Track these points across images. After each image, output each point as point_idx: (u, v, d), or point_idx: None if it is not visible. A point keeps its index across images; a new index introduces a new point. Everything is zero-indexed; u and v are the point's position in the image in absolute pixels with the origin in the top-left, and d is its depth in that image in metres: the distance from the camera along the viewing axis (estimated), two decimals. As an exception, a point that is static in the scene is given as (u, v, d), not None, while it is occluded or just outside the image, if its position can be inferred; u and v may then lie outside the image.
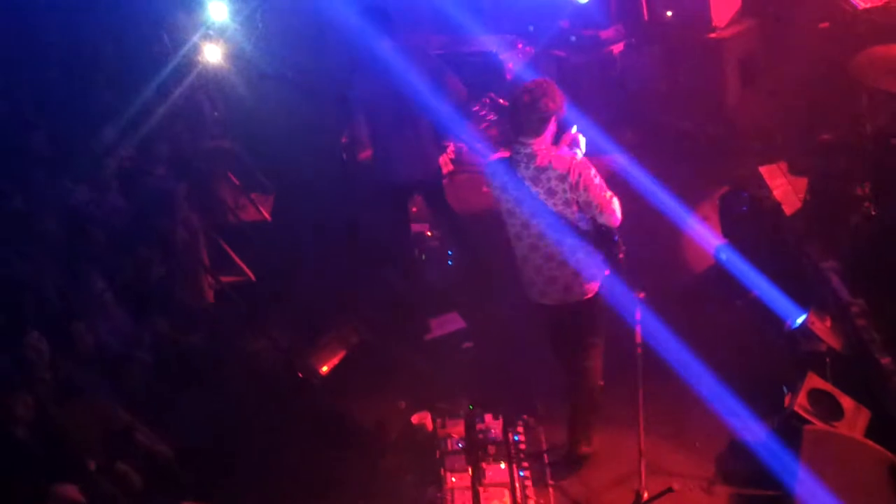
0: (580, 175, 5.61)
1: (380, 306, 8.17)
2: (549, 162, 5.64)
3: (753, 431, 6.17)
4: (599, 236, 5.85)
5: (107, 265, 7.45)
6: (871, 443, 5.63)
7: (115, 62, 9.74)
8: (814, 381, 6.04)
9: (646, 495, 5.78)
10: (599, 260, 5.90)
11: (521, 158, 5.73)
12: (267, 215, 9.83)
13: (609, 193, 5.73)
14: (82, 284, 7.20)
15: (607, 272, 5.95)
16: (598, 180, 5.68)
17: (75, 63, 9.52)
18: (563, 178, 5.61)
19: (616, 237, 5.85)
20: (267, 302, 8.47)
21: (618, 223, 5.78)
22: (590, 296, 5.97)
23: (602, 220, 5.74)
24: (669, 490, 5.72)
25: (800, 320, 6.64)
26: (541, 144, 5.69)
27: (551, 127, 5.70)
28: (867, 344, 6.39)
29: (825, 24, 8.78)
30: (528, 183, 5.71)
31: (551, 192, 5.66)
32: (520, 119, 5.70)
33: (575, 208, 5.71)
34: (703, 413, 6.39)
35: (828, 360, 6.39)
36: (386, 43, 7.45)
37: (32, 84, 9.12)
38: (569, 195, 5.65)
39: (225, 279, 8.53)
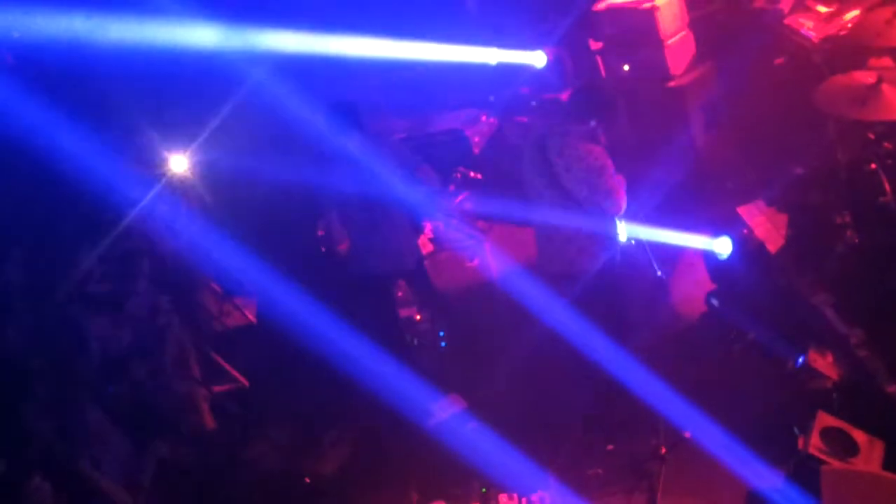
0: (598, 159, 6.36)
1: (378, 397, 8.05)
2: (578, 143, 6.40)
3: (770, 480, 6.07)
4: (601, 215, 6.52)
5: (100, 394, 7.34)
6: (890, 475, 5.56)
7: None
8: (824, 419, 5.97)
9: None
10: (602, 237, 6.60)
11: (555, 133, 6.49)
12: (252, 318, 9.72)
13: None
14: (79, 419, 7.09)
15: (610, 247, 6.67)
16: (612, 173, 6.41)
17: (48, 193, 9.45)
18: (583, 158, 6.36)
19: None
20: (263, 406, 8.35)
21: (620, 212, 6.50)
22: (593, 268, 6.63)
23: (607, 204, 6.44)
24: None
25: (801, 359, 6.60)
26: (579, 129, 6.44)
27: (593, 123, 6.45)
28: (871, 374, 6.37)
29: (780, 60, 8.84)
30: (552, 154, 6.43)
31: (569, 168, 6.39)
32: (581, 101, 6.54)
33: (585, 187, 6.37)
34: (717, 467, 6.30)
35: (834, 395, 6.35)
36: (353, 137, 7.38)
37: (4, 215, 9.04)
38: (584, 174, 6.35)
39: (218, 389, 8.41)
